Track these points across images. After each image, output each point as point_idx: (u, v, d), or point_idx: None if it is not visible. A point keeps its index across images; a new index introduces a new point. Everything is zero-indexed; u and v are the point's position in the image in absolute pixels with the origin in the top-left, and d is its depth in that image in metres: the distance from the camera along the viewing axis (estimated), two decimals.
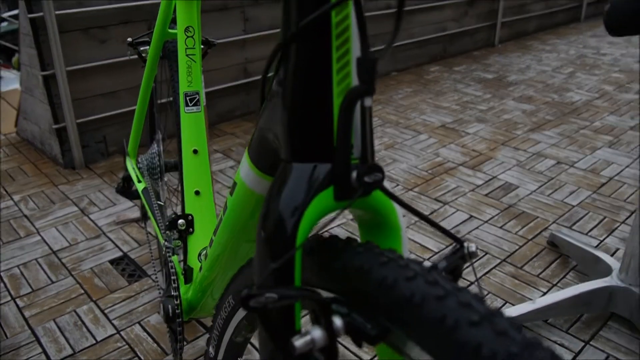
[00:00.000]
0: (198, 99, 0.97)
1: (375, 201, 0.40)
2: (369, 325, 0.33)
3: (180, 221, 0.98)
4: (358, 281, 0.34)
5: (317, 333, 0.34)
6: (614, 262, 1.51)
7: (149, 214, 1.21)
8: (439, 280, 0.32)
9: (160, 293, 1.49)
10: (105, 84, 2.29)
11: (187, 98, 0.95)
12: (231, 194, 0.55)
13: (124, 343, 1.37)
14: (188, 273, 0.98)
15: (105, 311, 1.48)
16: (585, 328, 1.41)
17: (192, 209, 0.98)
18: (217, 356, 0.64)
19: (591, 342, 1.37)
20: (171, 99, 1.11)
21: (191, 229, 0.98)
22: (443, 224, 1.87)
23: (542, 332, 1.40)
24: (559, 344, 1.36)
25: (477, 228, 1.85)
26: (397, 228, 0.42)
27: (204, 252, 0.99)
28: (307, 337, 0.34)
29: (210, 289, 0.86)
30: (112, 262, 1.69)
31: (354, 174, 0.37)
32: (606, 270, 1.48)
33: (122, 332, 1.40)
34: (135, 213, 1.94)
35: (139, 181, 1.28)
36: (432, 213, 1.94)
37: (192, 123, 0.96)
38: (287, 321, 0.35)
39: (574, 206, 1.99)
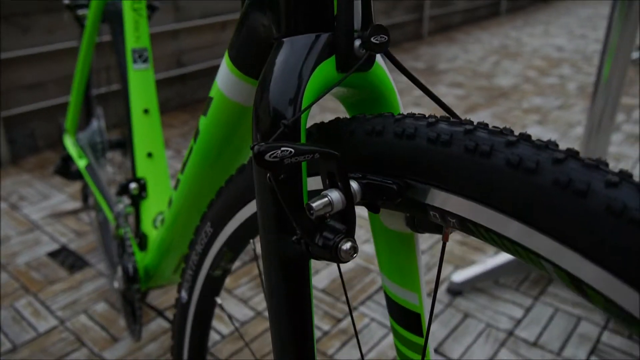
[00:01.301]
0: (147, 56, 0.92)
1: (375, 77, 0.39)
2: (389, 180, 0.32)
3: (133, 185, 0.93)
4: (371, 144, 0.33)
5: (335, 194, 0.32)
6: None
7: (94, 190, 1.14)
8: (460, 120, 0.31)
9: (108, 275, 1.42)
10: (30, 75, 2.16)
11: (136, 54, 0.91)
12: (205, 114, 0.53)
13: (70, 333, 1.29)
14: (142, 240, 0.93)
15: (46, 303, 1.39)
16: (533, 286, 1.46)
17: (144, 173, 0.93)
18: (191, 299, 0.61)
19: (540, 298, 1.41)
20: (113, 87, 1.06)
21: (144, 194, 0.94)
22: None
23: (493, 292, 1.43)
24: (510, 302, 1.40)
25: None
26: (396, 109, 0.41)
27: (160, 217, 0.95)
28: (325, 199, 0.32)
29: (169, 251, 0.82)
30: (49, 254, 1.59)
31: (357, 42, 0.35)
32: None
33: (67, 323, 1.32)
34: (71, 205, 1.84)
35: (80, 157, 1.21)
36: None
37: (141, 81, 0.92)
38: (298, 186, 0.33)
39: None
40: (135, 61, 0.91)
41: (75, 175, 1.31)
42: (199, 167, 0.57)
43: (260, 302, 1.40)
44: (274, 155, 0.29)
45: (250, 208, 0.47)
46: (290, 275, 0.35)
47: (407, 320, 0.42)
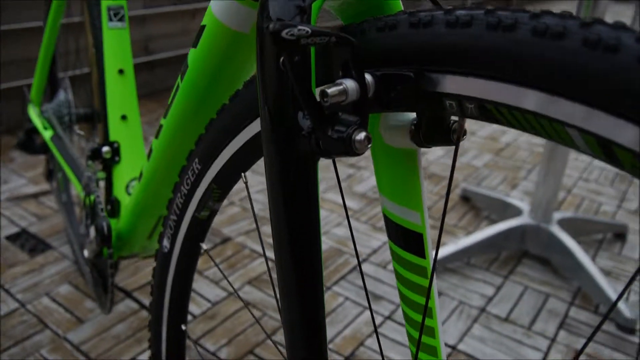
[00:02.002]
0: (123, 15, 0.89)
1: None
2: (404, 68, 0.31)
3: (105, 149, 0.90)
4: (385, 38, 0.32)
5: (350, 83, 0.31)
6: (523, 205, 1.60)
7: (60, 161, 1.10)
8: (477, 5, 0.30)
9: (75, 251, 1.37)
10: None
11: (111, 12, 0.88)
12: (194, 45, 0.51)
13: (32, 316, 1.23)
14: (114, 206, 0.90)
15: (5, 286, 1.33)
16: (503, 266, 1.48)
17: (117, 136, 0.90)
18: (173, 247, 0.59)
19: (509, 277, 1.43)
20: (87, 69, 1.01)
21: (117, 158, 0.91)
22: (359, 187, 1.89)
23: (465, 272, 1.45)
24: (481, 281, 1.41)
25: None
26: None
27: (134, 183, 0.91)
28: (340, 86, 0.31)
29: (144, 212, 0.80)
30: (8, 238, 1.53)
31: None
32: (517, 214, 1.57)
33: (28, 306, 1.27)
34: (32, 189, 1.77)
35: (46, 128, 1.16)
36: (348, 177, 1.95)
37: (116, 40, 0.89)
38: (309, 73, 0.32)
39: (479, 167, 2.09)
40: (110, 19, 0.88)
41: (40, 149, 1.26)
42: (185, 107, 0.55)
43: (232, 282, 1.37)
44: (291, 33, 0.28)
45: (245, 135, 0.46)
46: (297, 178, 0.34)
47: (409, 241, 0.42)
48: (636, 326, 1.26)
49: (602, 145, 0.25)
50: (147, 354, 1.13)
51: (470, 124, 2.54)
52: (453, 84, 0.30)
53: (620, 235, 1.64)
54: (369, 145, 0.31)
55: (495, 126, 2.54)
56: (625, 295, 1.39)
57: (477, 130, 2.48)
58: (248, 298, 1.32)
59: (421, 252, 0.42)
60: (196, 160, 0.52)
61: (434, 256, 0.39)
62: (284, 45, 0.28)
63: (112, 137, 0.90)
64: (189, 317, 1.25)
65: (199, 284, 1.36)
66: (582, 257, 1.37)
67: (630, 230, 1.67)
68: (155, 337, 0.63)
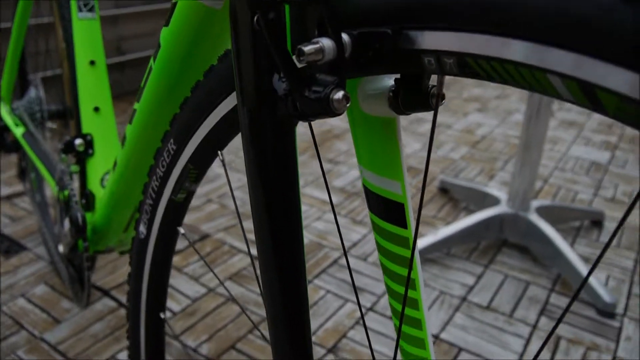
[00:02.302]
0: (93, 5, 0.88)
1: None
2: (381, 26, 0.31)
3: (78, 141, 0.88)
4: None
5: (326, 41, 0.30)
6: (501, 195, 1.61)
7: (33, 158, 1.07)
8: None
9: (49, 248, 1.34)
10: None
11: (80, 2, 0.86)
12: (167, 24, 0.50)
13: (7, 317, 1.20)
14: (89, 200, 0.88)
15: None
16: (483, 255, 1.49)
17: (91, 128, 0.88)
18: (150, 232, 0.57)
19: (489, 266, 1.44)
20: (59, 70, 0.99)
21: (91, 150, 0.89)
22: (338, 181, 1.88)
23: (445, 262, 1.45)
24: (462, 270, 1.42)
25: None
26: None
27: (107, 176, 0.90)
28: (317, 45, 0.30)
29: (119, 203, 0.78)
30: None
31: None
32: (495, 204, 1.58)
33: (3, 307, 1.23)
34: (5, 191, 1.73)
35: (17, 125, 1.14)
36: (327, 172, 1.94)
37: (87, 31, 0.87)
38: (284, 32, 0.31)
39: (456, 160, 2.10)
40: (80, 9, 0.86)
41: (11, 147, 1.23)
42: (158, 88, 0.54)
43: (211, 278, 1.36)
44: None
45: (220, 110, 0.45)
46: (275, 145, 0.33)
47: (390, 212, 0.41)
48: (615, 310, 1.28)
49: (585, 90, 0.25)
50: (126, 352, 1.11)
51: (445, 118, 2.55)
52: (431, 40, 0.29)
53: (597, 222, 1.66)
54: (348, 105, 0.31)
55: (470, 119, 2.56)
56: (604, 280, 1.41)
57: (453, 124, 2.50)
58: (228, 294, 1.30)
59: (402, 223, 0.41)
60: (171, 141, 0.51)
61: (415, 228, 0.39)
62: (258, 2, 0.28)
63: (85, 129, 0.88)
64: (169, 314, 1.23)
65: (178, 280, 1.34)
66: (560, 244, 1.39)
67: (607, 217, 1.69)
68: (133, 326, 0.62)
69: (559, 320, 0.29)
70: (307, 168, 1.96)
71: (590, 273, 0.29)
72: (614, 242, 1.58)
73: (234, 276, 1.37)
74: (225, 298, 1.29)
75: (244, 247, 1.49)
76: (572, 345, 1.18)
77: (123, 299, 1.28)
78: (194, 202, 1.71)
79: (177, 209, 0.55)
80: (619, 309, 1.30)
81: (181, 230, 0.56)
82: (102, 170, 0.89)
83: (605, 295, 1.28)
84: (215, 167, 1.95)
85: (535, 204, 1.53)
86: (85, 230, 0.79)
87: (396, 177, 0.41)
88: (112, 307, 1.24)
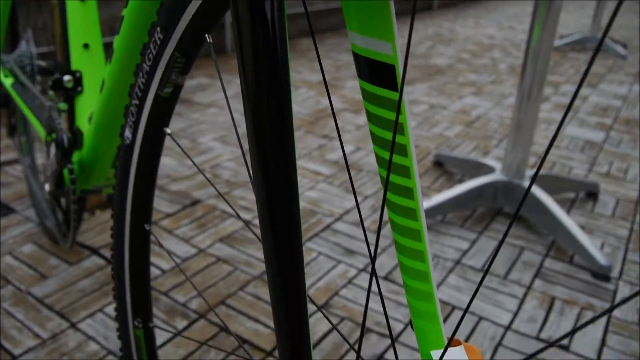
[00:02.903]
0: None
1: None
2: None
3: (67, 77, 0.86)
4: None
5: None
6: (496, 164, 1.60)
7: (22, 107, 1.05)
8: None
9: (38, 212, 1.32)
10: None
11: None
12: None
13: None
14: (77, 137, 0.86)
15: None
16: (478, 223, 1.48)
17: (80, 65, 0.87)
18: (136, 136, 0.56)
19: (484, 233, 1.43)
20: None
21: (79, 88, 0.87)
22: (331, 155, 1.87)
23: (439, 229, 1.44)
24: (456, 236, 1.40)
25: (366, 156, 1.87)
26: None
27: None
28: None
29: (106, 134, 0.77)
30: None
31: None
32: (489, 173, 1.57)
33: None
34: None
35: (7, 76, 1.12)
36: (320, 147, 1.93)
37: None
38: None
39: (450, 137, 2.09)
40: None
41: (1, 101, 1.21)
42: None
43: (202, 240, 1.34)
44: None
45: None
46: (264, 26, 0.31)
47: (380, 74, 0.39)
48: (610, 273, 1.26)
49: None
50: (114, 305, 1.09)
51: (440, 100, 2.54)
52: None
53: (592, 194, 1.65)
54: None
55: (466, 101, 2.55)
56: (600, 245, 1.40)
57: (448, 105, 2.49)
58: (219, 255, 1.28)
59: (393, 85, 0.40)
60: (157, 30, 0.49)
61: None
62: None
63: (74, 66, 0.87)
64: (157, 272, 1.21)
65: (168, 242, 1.32)
66: (556, 210, 1.38)
67: (602, 190, 1.69)
68: (117, 237, 0.60)
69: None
70: (301, 142, 1.94)
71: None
72: (609, 212, 1.57)
73: (225, 239, 1.35)
74: (216, 258, 1.27)
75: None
76: (566, 305, 1.17)
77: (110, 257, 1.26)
78: (186, 171, 1.69)
79: (164, 106, 0.53)
80: (614, 273, 1.29)
81: (167, 130, 0.54)
82: (90, 108, 0.87)
83: (600, 259, 1.27)
84: (210, 141, 1.93)
85: (530, 172, 1.52)
86: (71, 153, 0.78)
87: (387, 38, 0.39)
88: (100, 265, 1.22)
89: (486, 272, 0.31)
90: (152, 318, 0.63)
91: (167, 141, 1.90)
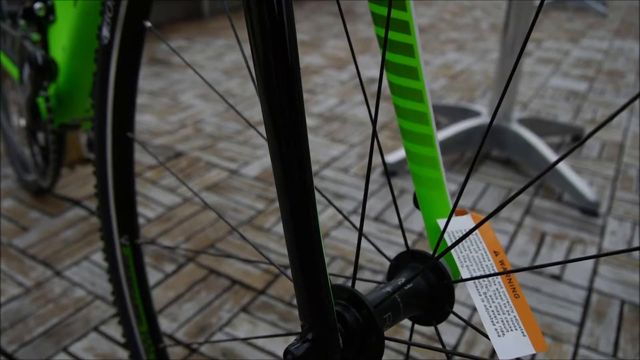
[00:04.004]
0: None
1: None
2: None
3: (38, 5, 0.81)
4: None
5: None
6: (482, 108, 1.59)
7: None
8: None
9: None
10: None
11: None
12: None
13: None
14: (52, 68, 0.82)
15: None
16: (466, 166, 1.47)
17: None
18: (114, 34, 0.52)
19: (472, 176, 1.42)
20: None
21: (52, 16, 0.83)
22: (316, 108, 1.84)
23: None
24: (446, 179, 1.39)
25: (350, 109, 1.84)
26: None
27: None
28: None
29: (82, 55, 0.73)
30: None
31: None
32: (476, 117, 1.55)
33: None
34: None
35: None
36: (306, 101, 1.90)
37: None
38: None
39: (435, 89, 2.07)
40: None
41: None
42: None
43: (187, 189, 1.31)
44: None
45: None
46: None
47: None
48: (599, 209, 1.26)
49: None
50: (100, 254, 1.07)
51: (423, 56, 2.52)
52: None
53: (577, 138, 1.65)
54: None
55: (448, 57, 2.53)
56: (589, 182, 1.40)
57: (431, 60, 2.47)
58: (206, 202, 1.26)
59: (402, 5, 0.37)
60: None
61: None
62: None
63: None
64: (143, 221, 1.18)
65: (153, 192, 1.29)
66: (544, 150, 1.37)
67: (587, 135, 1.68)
68: (99, 148, 0.57)
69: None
70: None
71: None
72: (595, 154, 1.57)
73: (212, 187, 1.32)
74: (201, 207, 1.24)
75: (220, 162, 1.44)
76: (557, 240, 1.17)
77: (94, 207, 1.23)
78: (167, 126, 1.65)
79: None
80: (602, 209, 1.29)
81: (148, 23, 0.51)
82: (64, 37, 0.83)
83: (589, 194, 1.26)
84: (191, 98, 1.89)
85: (517, 115, 1.51)
86: (45, 72, 0.74)
87: None
88: (83, 216, 1.19)
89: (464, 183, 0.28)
90: (139, 235, 0.61)
91: (146, 99, 1.86)
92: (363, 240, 1.13)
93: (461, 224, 0.39)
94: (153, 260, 1.06)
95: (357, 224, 1.20)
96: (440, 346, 0.85)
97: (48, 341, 0.87)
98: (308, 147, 0.29)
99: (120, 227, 0.60)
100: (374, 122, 0.35)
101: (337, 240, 1.14)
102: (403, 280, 0.34)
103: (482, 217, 0.41)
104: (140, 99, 1.86)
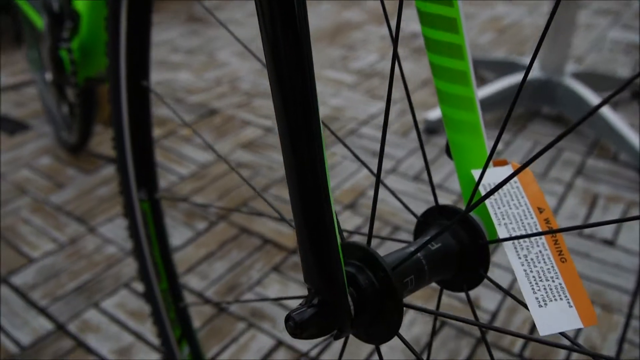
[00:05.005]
0: None
1: None
2: None
3: None
4: None
5: None
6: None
7: (21, 3, 0.99)
8: None
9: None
10: None
11: None
12: None
13: (10, 185, 1.15)
14: (76, 21, 0.79)
15: None
16: (513, 124, 1.39)
17: None
18: None
19: (519, 134, 1.34)
20: None
21: None
22: (355, 64, 1.77)
23: None
24: (490, 138, 1.32)
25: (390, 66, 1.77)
26: None
27: None
28: None
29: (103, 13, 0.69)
30: None
31: None
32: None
33: (7, 177, 1.18)
34: (11, 80, 1.66)
35: None
36: (343, 58, 1.83)
37: None
38: None
39: (481, 44, 1.96)
40: None
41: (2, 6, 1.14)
42: None
43: (221, 147, 1.28)
44: None
45: None
46: None
47: None
48: None
49: None
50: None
51: (467, 8, 2.39)
52: None
53: (637, 94, 1.53)
54: None
55: (497, 10, 2.39)
56: None
57: (477, 14, 2.34)
58: (240, 160, 1.23)
59: None
60: None
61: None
62: None
63: None
64: (176, 179, 1.17)
65: (187, 149, 1.27)
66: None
67: None
68: (115, 97, 0.54)
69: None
70: (323, 54, 1.85)
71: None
72: None
73: (247, 145, 1.29)
74: (237, 164, 1.21)
75: (256, 120, 1.41)
76: (610, 202, 1.09)
77: None
78: (203, 84, 1.62)
79: None
80: None
81: None
82: None
83: None
84: (227, 56, 1.85)
85: (571, 68, 1.41)
86: (62, 18, 0.71)
87: None
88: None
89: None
90: (157, 189, 0.58)
91: (183, 57, 1.83)
92: (390, 204, 1.08)
93: (500, 175, 0.34)
94: (185, 217, 1.04)
95: (394, 185, 1.15)
96: (472, 318, 0.80)
97: (80, 296, 0.87)
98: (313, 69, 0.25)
99: (138, 180, 0.57)
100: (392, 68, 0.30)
101: (371, 200, 1.09)
102: (428, 238, 0.29)
103: (529, 171, 0.36)
104: (177, 57, 1.83)
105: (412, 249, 0.29)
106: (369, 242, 0.29)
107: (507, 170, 0.34)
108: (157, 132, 1.34)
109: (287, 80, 0.25)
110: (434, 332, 0.47)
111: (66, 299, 0.86)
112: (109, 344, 0.79)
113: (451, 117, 0.34)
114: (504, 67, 1.57)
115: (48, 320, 0.82)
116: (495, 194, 0.32)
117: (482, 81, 1.61)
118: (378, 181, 0.30)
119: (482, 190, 0.32)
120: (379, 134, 1.34)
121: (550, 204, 1.08)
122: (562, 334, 0.28)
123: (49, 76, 0.83)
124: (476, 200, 0.29)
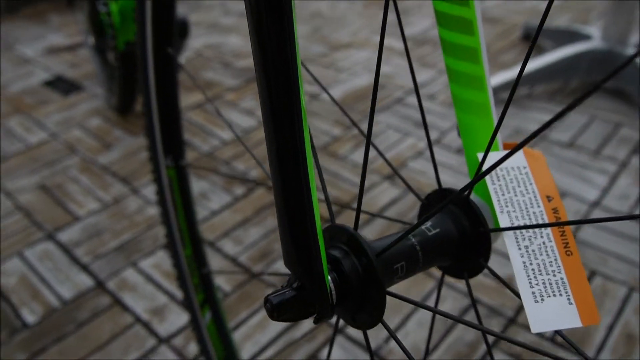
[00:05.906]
0: None
1: None
2: None
3: None
4: None
5: None
6: (593, 31, 1.40)
7: None
8: None
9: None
10: None
11: None
12: None
13: (61, 144, 1.19)
14: None
15: (39, 121, 1.29)
16: (569, 97, 1.32)
17: None
18: None
19: (575, 108, 1.27)
20: None
21: None
22: (408, 30, 1.72)
23: (524, 103, 1.30)
24: (542, 110, 1.26)
25: None
26: None
27: None
28: None
29: None
30: (44, 83, 1.48)
31: None
32: (586, 41, 1.37)
33: (59, 136, 1.23)
34: (68, 41, 1.71)
35: None
36: (396, 25, 1.78)
37: None
38: None
39: (543, 10, 1.86)
40: None
41: None
42: None
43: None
44: None
45: None
46: None
47: None
48: None
49: None
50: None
51: None
52: None
53: None
54: None
55: None
56: None
57: None
58: None
59: None
60: None
61: None
62: None
63: None
64: (218, 143, 1.18)
65: (231, 114, 1.28)
66: None
67: None
68: (142, 63, 0.54)
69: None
70: (376, 19, 1.80)
71: None
72: None
73: None
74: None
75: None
76: None
77: None
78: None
79: None
80: None
81: None
82: None
83: None
84: None
85: (635, 39, 1.32)
86: None
87: None
88: None
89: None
90: (184, 155, 0.58)
91: (234, 21, 1.83)
92: (431, 176, 1.06)
93: (510, 160, 0.32)
94: (224, 182, 1.06)
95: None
96: (506, 297, 0.79)
97: (119, 255, 0.90)
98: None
99: (165, 147, 0.58)
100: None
101: (414, 172, 1.07)
102: (417, 222, 0.28)
103: (539, 153, 0.33)
104: (228, 20, 1.83)
105: (401, 234, 0.28)
106: (356, 225, 0.28)
107: (518, 154, 0.32)
108: (202, 96, 1.35)
109: (270, 62, 0.24)
110: (432, 330, 0.45)
111: (107, 257, 0.90)
112: (143, 303, 0.81)
113: (460, 97, 0.32)
114: (564, 36, 1.48)
115: (89, 277, 0.86)
116: (501, 179, 0.30)
117: (538, 50, 1.53)
118: (368, 142, 0.29)
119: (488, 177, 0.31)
120: (426, 104, 1.30)
121: (601, 183, 1.03)
122: (558, 332, 0.26)
123: (91, 40, 0.85)
124: (469, 182, 0.27)
